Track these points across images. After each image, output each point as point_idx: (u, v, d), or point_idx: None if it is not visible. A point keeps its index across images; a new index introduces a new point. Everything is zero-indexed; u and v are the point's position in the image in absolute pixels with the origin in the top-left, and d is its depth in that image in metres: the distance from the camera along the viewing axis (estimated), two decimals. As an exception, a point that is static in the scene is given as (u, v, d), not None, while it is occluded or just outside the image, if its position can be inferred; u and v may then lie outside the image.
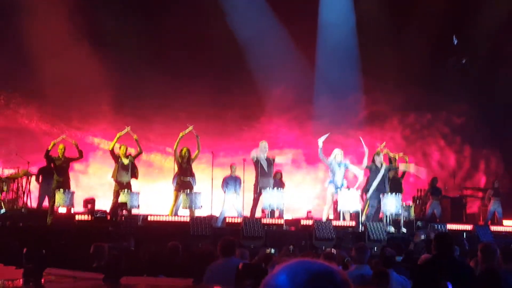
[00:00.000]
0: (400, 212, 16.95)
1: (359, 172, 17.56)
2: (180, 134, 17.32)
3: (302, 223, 16.54)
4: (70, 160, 17.47)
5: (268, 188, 16.84)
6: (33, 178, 18.85)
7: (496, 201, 20.24)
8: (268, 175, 17.32)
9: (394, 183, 17.81)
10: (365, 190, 17.68)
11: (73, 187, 17.61)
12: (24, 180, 19.12)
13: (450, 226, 16.88)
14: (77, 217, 15.69)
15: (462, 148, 26.01)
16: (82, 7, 22.08)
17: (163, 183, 20.71)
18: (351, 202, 16.89)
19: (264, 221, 16.09)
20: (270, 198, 16.68)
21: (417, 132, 25.82)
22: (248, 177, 18.17)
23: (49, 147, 17.06)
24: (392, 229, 16.81)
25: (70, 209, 16.61)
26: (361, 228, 16.43)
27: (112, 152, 17.26)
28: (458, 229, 17.21)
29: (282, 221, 16.59)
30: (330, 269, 2.05)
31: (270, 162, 17.38)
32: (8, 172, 19.45)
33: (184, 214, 16.69)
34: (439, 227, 16.11)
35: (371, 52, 23.84)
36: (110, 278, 6.74)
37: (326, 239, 15.25)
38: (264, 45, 23.62)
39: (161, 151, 23.50)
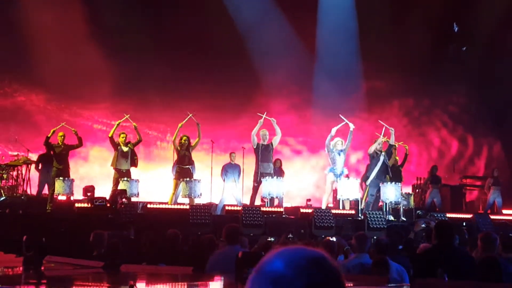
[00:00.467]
0: (399, 201, 16.96)
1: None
2: (179, 125, 17.31)
3: (301, 211, 16.52)
4: (70, 147, 17.46)
5: (267, 176, 16.84)
6: (33, 165, 18.84)
7: (495, 190, 20.25)
8: (268, 160, 17.31)
9: (393, 172, 17.81)
10: (365, 178, 17.70)
11: (72, 174, 17.61)
12: (24, 168, 19.12)
13: (449, 215, 16.88)
14: (77, 205, 15.67)
15: (462, 137, 26.00)
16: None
17: (163, 170, 20.72)
18: (351, 190, 16.91)
19: (264, 209, 16.09)
20: (270, 186, 16.68)
21: (417, 120, 25.81)
22: (248, 165, 18.17)
23: (49, 135, 17.05)
24: (391, 218, 16.83)
25: (70, 196, 16.62)
26: (360, 216, 16.44)
27: (111, 139, 17.25)
28: (458, 217, 17.21)
29: (281, 209, 16.60)
30: (323, 256, 2.08)
31: (270, 148, 17.37)
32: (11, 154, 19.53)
33: (183, 202, 16.69)
34: (439, 216, 16.11)
35: (372, 40, 23.79)
36: (110, 266, 6.74)
37: (326, 227, 15.25)
38: (264, 33, 23.54)
39: (160, 139, 23.50)
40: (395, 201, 16.90)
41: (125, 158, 17.15)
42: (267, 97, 23.98)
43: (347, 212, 16.80)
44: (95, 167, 21.98)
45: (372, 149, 17.48)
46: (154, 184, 20.23)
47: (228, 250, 7.73)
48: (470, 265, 6.71)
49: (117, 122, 17.38)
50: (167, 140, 22.95)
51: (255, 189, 17.41)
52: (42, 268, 6.70)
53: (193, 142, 17.24)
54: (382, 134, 17.68)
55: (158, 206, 16.23)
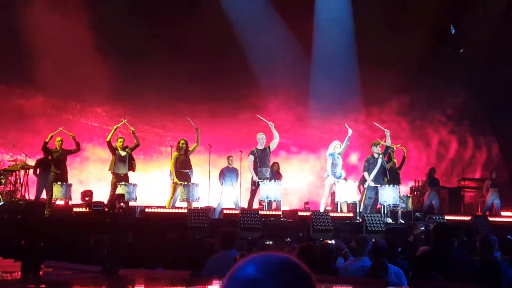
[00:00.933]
0: (398, 203, 16.96)
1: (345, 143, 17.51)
2: (115, 127, 17.36)
3: (299, 215, 16.51)
4: (68, 152, 17.45)
5: (265, 180, 16.83)
6: (31, 170, 18.83)
7: (494, 192, 20.27)
8: (266, 165, 17.28)
9: (392, 174, 17.82)
10: (363, 181, 17.70)
11: (70, 179, 17.61)
12: (22, 173, 19.11)
13: (448, 217, 16.86)
14: (75, 210, 15.65)
15: (460, 139, 26.04)
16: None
17: (160, 174, 20.72)
18: (349, 193, 16.91)
19: (262, 212, 16.07)
20: (267, 189, 16.66)
21: (414, 122, 25.84)
22: (245, 168, 18.17)
23: (47, 139, 17.05)
24: (390, 220, 16.82)
25: (68, 201, 16.62)
26: (359, 219, 16.44)
27: (109, 144, 17.25)
28: (456, 220, 17.20)
29: (279, 213, 16.59)
30: (293, 260, 2.12)
31: (267, 152, 17.34)
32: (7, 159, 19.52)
33: (181, 206, 16.68)
34: (438, 218, 16.11)
35: (369, 41, 23.81)
36: (109, 271, 6.73)
37: (324, 230, 15.23)
38: (261, 35, 23.57)
39: (158, 144, 23.50)
40: (393, 204, 16.89)
41: (123, 163, 17.14)
42: (264, 99, 24.02)
43: (345, 215, 16.79)
44: (93, 170, 21.99)
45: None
46: (152, 188, 20.23)
47: (224, 255, 7.70)
48: (468, 268, 6.71)
49: (115, 127, 17.37)
50: (165, 145, 22.94)
51: (253, 193, 17.40)
52: (41, 272, 6.69)
53: (191, 146, 17.22)
54: (384, 142, 17.69)
55: (156, 210, 16.21)
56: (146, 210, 16.17)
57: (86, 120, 23.05)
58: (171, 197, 16.95)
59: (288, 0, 23.56)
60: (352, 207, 17.26)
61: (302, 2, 24.09)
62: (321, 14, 24.20)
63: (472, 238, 12.38)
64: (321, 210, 16.81)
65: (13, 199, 18.57)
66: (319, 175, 20.43)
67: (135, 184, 16.94)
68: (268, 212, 16.39)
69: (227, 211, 16.54)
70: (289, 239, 12.08)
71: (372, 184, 17.04)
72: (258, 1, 23.78)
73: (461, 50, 25.51)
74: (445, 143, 26.13)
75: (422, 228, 14.00)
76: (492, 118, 25.05)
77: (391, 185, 16.99)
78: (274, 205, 17.16)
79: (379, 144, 17.47)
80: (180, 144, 17.09)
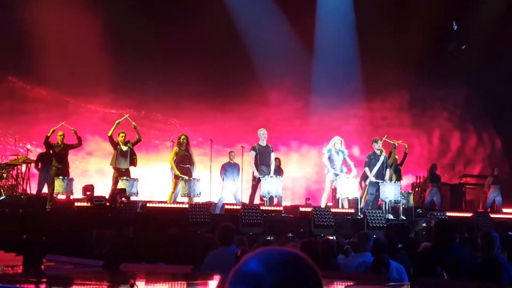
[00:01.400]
0: (399, 200, 16.95)
1: (353, 167, 17.53)
2: (116, 122, 17.34)
3: (300, 210, 16.51)
4: (69, 147, 17.45)
5: (266, 176, 16.83)
6: (33, 164, 18.84)
7: (495, 188, 20.26)
8: (267, 164, 17.27)
9: (393, 171, 17.82)
10: (364, 177, 17.70)
11: (72, 173, 17.62)
12: (23, 167, 19.12)
13: (449, 214, 16.85)
14: (76, 204, 15.66)
15: (462, 135, 26.03)
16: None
17: (162, 169, 20.73)
18: (350, 189, 16.91)
19: (263, 208, 16.06)
20: (269, 185, 16.67)
21: (416, 119, 25.82)
22: (247, 164, 18.17)
23: (49, 134, 17.04)
24: (391, 217, 16.82)
25: (69, 196, 16.63)
26: (360, 215, 16.44)
27: (110, 138, 17.25)
28: (458, 216, 17.19)
29: (281, 208, 16.59)
30: (298, 254, 2.13)
31: (269, 149, 17.33)
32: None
33: (183, 201, 16.69)
34: (439, 215, 16.09)
35: (371, 38, 23.78)
36: (110, 265, 6.74)
37: (325, 226, 15.23)
38: (263, 33, 23.57)
39: (160, 138, 23.52)
40: (394, 200, 16.88)
41: (124, 157, 17.14)
42: (266, 96, 24.01)
43: (347, 211, 16.79)
44: (95, 164, 22.04)
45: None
46: (153, 183, 20.25)
47: (223, 251, 7.70)
48: (469, 264, 6.71)
49: (117, 122, 17.35)
50: (166, 140, 22.94)
51: (254, 188, 17.40)
52: (42, 267, 6.70)
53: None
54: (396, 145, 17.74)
55: (157, 205, 16.22)
56: (148, 205, 16.19)
57: (88, 114, 23.03)
58: (172, 192, 16.95)
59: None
60: (353, 203, 17.26)
61: (305, 2, 24.07)
62: (323, 10, 24.18)
63: (473, 235, 12.38)
64: (322, 206, 16.81)
65: (14, 193, 18.57)
66: (319, 170, 20.42)
67: (137, 179, 16.95)
68: (269, 208, 16.39)
69: (228, 207, 16.54)
70: (291, 235, 12.08)
71: (374, 179, 17.06)
72: (261, 1, 23.76)
73: (463, 47, 25.46)
74: (447, 140, 26.11)
75: (424, 225, 14.02)
76: (494, 114, 25.03)
77: (393, 181, 16.99)
78: (275, 200, 17.17)
79: (381, 140, 17.49)
80: (181, 139, 17.07)
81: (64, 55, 21.39)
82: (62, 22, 21.53)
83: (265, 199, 16.81)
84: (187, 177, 16.63)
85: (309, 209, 16.15)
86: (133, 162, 17.38)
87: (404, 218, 17.02)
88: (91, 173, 21.55)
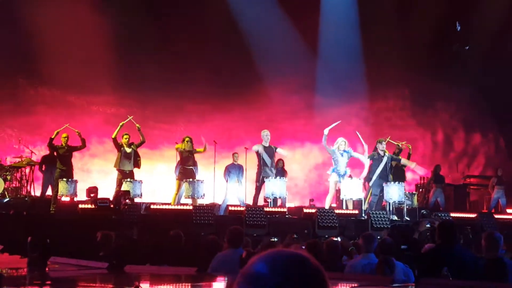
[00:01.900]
0: (403, 200, 16.95)
1: (364, 159, 17.53)
2: (120, 124, 17.35)
3: (304, 212, 16.52)
4: (73, 149, 17.49)
5: (270, 177, 16.84)
6: (37, 167, 18.86)
7: (499, 189, 20.26)
8: (270, 165, 17.29)
9: (397, 172, 17.81)
10: (368, 178, 17.70)
11: (75, 175, 17.64)
12: (27, 169, 19.14)
13: (453, 215, 16.84)
14: (81, 206, 15.68)
15: (465, 136, 26.01)
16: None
17: (165, 170, 20.75)
18: (354, 190, 16.92)
19: (267, 209, 16.07)
20: (273, 186, 16.68)
21: (419, 119, 25.79)
22: (251, 165, 18.18)
23: (53, 136, 17.09)
24: (395, 217, 16.82)
25: (73, 198, 16.65)
26: (364, 216, 16.44)
27: (114, 140, 17.28)
28: (462, 217, 17.17)
29: (285, 210, 16.60)
30: (304, 256, 2.16)
31: (272, 150, 17.35)
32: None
33: (186, 203, 16.71)
34: (443, 216, 16.08)
35: (375, 38, 23.79)
36: (114, 267, 6.75)
37: (329, 227, 15.24)
38: (267, 33, 23.56)
39: (164, 140, 23.52)
40: (398, 201, 16.89)
41: (128, 159, 17.18)
42: (270, 96, 24.00)
43: (351, 212, 16.79)
44: (98, 166, 22.05)
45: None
46: (157, 185, 20.26)
47: (231, 253, 7.72)
48: (473, 265, 6.71)
49: (121, 124, 17.38)
50: (170, 141, 22.96)
51: (258, 189, 17.41)
52: (47, 269, 6.70)
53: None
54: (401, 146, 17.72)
55: (161, 206, 16.24)
56: (151, 206, 16.21)
57: (92, 116, 23.03)
58: (176, 194, 16.99)
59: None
60: (357, 204, 17.26)
61: (309, 2, 24.08)
62: (326, 9, 24.18)
63: (478, 236, 12.37)
64: (326, 207, 16.82)
65: (18, 196, 18.59)
66: (322, 170, 20.45)
67: (141, 180, 16.97)
68: (273, 209, 16.40)
69: (232, 208, 16.56)
70: (295, 236, 12.08)
71: (376, 177, 17.09)
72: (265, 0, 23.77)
73: (467, 47, 25.44)
74: (451, 140, 26.09)
75: (428, 226, 14.00)
76: (498, 115, 25.00)
77: (397, 182, 16.99)
78: (279, 202, 17.17)
79: (385, 141, 17.49)
80: (185, 142, 17.12)
81: (68, 56, 21.39)
82: (66, 23, 21.52)
83: (269, 200, 16.84)
84: (190, 179, 16.66)
85: (313, 211, 16.16)
86: (137, 164, 17.41)
87: (408, 219, 17.02)
88: (94, 175, 21.55)
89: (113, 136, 17.33)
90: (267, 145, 17.27)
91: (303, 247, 8.25)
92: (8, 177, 18.63)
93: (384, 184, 16.97)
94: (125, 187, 16.47)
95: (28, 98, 22.62)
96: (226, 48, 23.34)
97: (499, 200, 20.32)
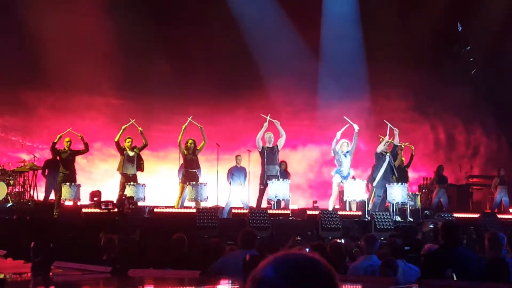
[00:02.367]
0: (406, 201, 16.94)
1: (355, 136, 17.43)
2: (183, 127, 17.28)
3: (308, 213, 16.51)
4: (76, 153, 17.49)
5: (274, 179, 16.83)
6: (40, 171, 18.87)
7: (502, 189, 20.25)
8: (274, 163, 17.30)
9: (400, 172, 17.80)
10: (371, 179, 17.69)
11: (79, 179, 17.65)
12: (30, 174, 19.16)
13: (456, 215, 16.82)
14: (84, 210, 15.69)
15: (468, 136, 25.99)
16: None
17: (168, 173, 20.75)
18: (357, 191, 16.90)
19: (270, 211, 16.06)
20: (276, 188, 16.67)
21: (422, 118, 25.78)
22: (254, 168, 18.17)
23: (55, 140, 17.09)
24: (398, 218, 16.80)
25: (77, 202, 16.65)
26: (367, 217, 16.43)
27: (117, 144, 17.27)
28: (465, 217, 17.16)
29: (288, 212, 16.59)
30: (314, 259, 2.13)
31: (276, 150, 17.35)
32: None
33: (190, 206, 16.70)
34: (447, 216, 16.06)
35: (376, 40, 23.79)
36: (118, 271, 6.75)
37: (333, 229, 15.22)
38: (269, 36, 23.61)
39: (166, 143, 23.54)
40: (401, 202, 16.87)
41: (131, 163, 17.17)
42: (272, 100, 24.00)
43: (354, 213, 16.78)
44: (101, 169, 22.07)
45: (379, 149, 17.46)
46: (160, 188, 20.26)
47: (242, 254, 7.71)
48: (476, 265, 6.70)
49: (123, 127, 17.35)
50: (173, 144, 22.98)
51: (262, 192, 17.41)
52: (50, 273, 6.71)
53: (199, 145, 17.24)
54: (388, 135, 17.63)
55: (164, 210, 16.23)
56: (155, 210, 16.20)
57: (94, 119, 23.04)
58: (180, 197, 16.97)
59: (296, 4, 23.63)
60: (360, 205, 17.24)
61: (310, 7, 24.10)
62: (328, 10, 24.21)
63: (482, 236, 12.35)
64: (330, 208, 16.81)
65: (22, 200, 18.62)
66: (325, 171, 20.46)
67: (144, 184, 16.96)
68: (276, 211, 16.40)
69: (236, 211, 16.55)
70: (299, 238, 12.04)
71: (379, 178, 17.08)
72: (267, 5, 23.79)
73: (468, 47, 25.43)
74: (453, 140, 26.07)
75: (431, 226, 13.99)
76: (500, 115, 24.98)
77: (400, 183, 16.98)
78: (282, 204, 17.17)
79: (387, 142, 17.46)
80: (188, 144, 17.10)
81: (72, 59, 21.41)
82: (71, 27, 21.60)
83: (272, 202, 16.82)
84: (194, 182, 16.66)
85: (316, 212, 16.15)
86: (140, 167, 17.40)
87: (411, 219, 17.00)
88: (97, 178, 21.55)
89: (115, 140, 17.32)
90: (270, 146, 17.27)
91: (307, 249, 8.24)
92: (11, 182, 18.66)
93: (387, 185, 16.96)
94: (128, 190, 16.45)
95: (30, 104, 22.63)
96: (228, 50, 23.37)
97: (502, 200, 20.31)
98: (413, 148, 18.80)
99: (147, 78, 22.91)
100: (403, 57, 23.61)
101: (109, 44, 21.71)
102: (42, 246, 6.98)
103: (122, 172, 17.11)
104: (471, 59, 25.15)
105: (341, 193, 17.74)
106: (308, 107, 24.82)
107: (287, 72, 23.68)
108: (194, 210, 15.72)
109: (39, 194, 19.00)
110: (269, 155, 17.15)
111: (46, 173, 18.26)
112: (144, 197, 16.72)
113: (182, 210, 16.29)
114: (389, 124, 17.84)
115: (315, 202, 21.03)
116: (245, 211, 16.12)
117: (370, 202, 17.33)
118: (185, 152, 17.14)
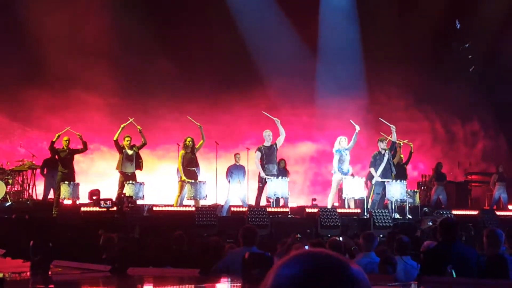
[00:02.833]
0: (405, 199, 16.95)
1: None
2: (121, 126, 17.25)
3: (307, 211, 16.51)
4: (75, 152, 17.47)
5: (272, 177, 16.83)
6: (38, 170, 18.86)
7: (501, 186, 20.26)
8: (273, 162, 17.28)
9: (398, 170, 17.81)
10: (370, 177, 17.70)
11: (77, 178, 17.64)
12: (29, 173, 19.15)
13: (455, 212, 16.84)
14: (83, 209, 15.69)
15: (467, 133, 26.00)
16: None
17: (168, 172, 20.74)
18: (356, 189, 16.91)
19: (269, 209, 16.06)
20: (275, 186, 16.67)
21: (420, 116, 25.78)
22: (252, 166, 18.17)
23: (54, 139, 17.07)
24: (397, 216, 16.82)
25: (76, 201, 16.64)
26: (366, 215, 16.44)
27: (116, 143, 17.26)
28: (464, 214, 17.18)
29: (287, 210, 16.59)
30: (342, 260, 2.02)
31: (274, 149, 17.34)
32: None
33: (189, 204, 16.70)
34: (446, 213, 16.08)
35: (374, 38, 23.80)
36: (117, 270, 6.75)
37: (332, 226, 15.24)
38: (267, 36, 23.62)
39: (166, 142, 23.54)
40: (400, 199, 16.89)
41: (130, 161, 17.15)
42: (271, 99, 24.00)
43: (353, 211, 16.79)
44: (99, 168, 22.07)
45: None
46: (159, 186, 20.25)
47: (243, 251, 7.71)
48: (475, 262, 6.71)
49: (122, 126, 17.33)
50: (172, 143, 22.97)
51: (260, 190, 17.40)
52: (50, 272, 6.71)
53: (197, 143, 17.22)
54: (390, 137, 17.64)
55: (163, 208, 16.23)
56: (154, 208, 16.20)
57: (93, 118, 23.03)
58: (179, 195, 16.96)
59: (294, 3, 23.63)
60: (359, 203, 17.25)
61: (308, 6, 24.10)
62: (326, 9, 24.21)
63: (480, 233, 12.37)
64: (329, 206, 16.82)
65: (20, 199, 18.62)
66: (324, 171, 20.44)
67: (143, 182, 16.94)
68: (275, 209, 16.39)
69: (235, 209, 16.54)
70: (299, 236, 12.04)
71: (379, 179, 17.05)
72: (265, 5, 23.79)
73: (467, 45, 25.45)
74: (451, 138, 26.08)
75: (430, 223, 14.00)
76: (499, 112, 24.99)
77: (398, 181, 16.99)
78: (281, 202, 17.16)
79: (385, 140, 17.47)
80: (187, 142, 17.08)
81: (71, 58, 21.41)
82: (71, 25, 21.59)
83: (271, 200, 16.81)
84: (193, 181, 16.64)
85: (315, 210, 16.16)
86: (139, 166, 17.39)
87: (410, 217, 17.02)
88: (96, 177, 21.54)
89: (114, 139, 17.30)
90: (268, 144, 17.26)
91: (307, 246, 8.24)
92: (10, 181, 18.65)
93: (386, 183, 16.97)
94: (127, 189, 16.44)
95: (29, 102, 22.60)
96: (227, 49, 23.36)
97: (501, 197, 20.32)
98: (411, 145, 18.80)
99: (147, 77, 22.91)
100: (401, 55, 23.62)
101: (109, 43, 21.70)
102: (41, 245, 6.97)
103: (121, 171, 17.09)
104: (470, 57, 25.19)
105: (340, 190, 17.74)
106: (306, 105, 24.81)
107: (285, 70, 23.68)
108: (193, 209, 15.73)
109: (38, 193, 18.98)
110: (267, 154, 17.15)
111: (45, 172, 18.24)
112: (143, 195, 16.71)
113: (181, 209, 16.28)
114: (385, 122, 17.87)
115: (314, 200, 21.03)
116: (244, 209, 16.12)
117: (369, 199, 17.34)
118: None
